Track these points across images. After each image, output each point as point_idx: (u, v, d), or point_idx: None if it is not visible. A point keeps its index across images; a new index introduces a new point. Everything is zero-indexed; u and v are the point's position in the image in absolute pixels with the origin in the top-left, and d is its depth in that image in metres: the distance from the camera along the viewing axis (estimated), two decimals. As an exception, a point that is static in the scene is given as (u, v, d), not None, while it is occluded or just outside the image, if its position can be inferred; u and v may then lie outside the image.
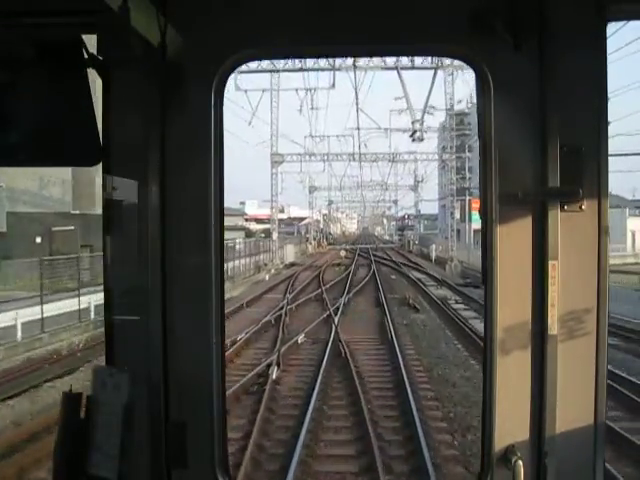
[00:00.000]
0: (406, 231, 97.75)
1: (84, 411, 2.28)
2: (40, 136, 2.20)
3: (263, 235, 69.88)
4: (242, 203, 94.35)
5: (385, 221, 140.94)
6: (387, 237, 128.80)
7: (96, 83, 2.27)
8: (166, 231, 2.33)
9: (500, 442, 2.26)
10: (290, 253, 60.05)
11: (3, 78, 2.12)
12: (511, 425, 2.27)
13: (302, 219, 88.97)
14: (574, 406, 2.24)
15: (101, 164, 2.31)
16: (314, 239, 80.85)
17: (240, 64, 2.43)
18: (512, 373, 2.26)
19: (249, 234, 71.13)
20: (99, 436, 2.25)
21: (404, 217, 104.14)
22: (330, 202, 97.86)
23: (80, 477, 2.25)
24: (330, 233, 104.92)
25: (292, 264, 53.60)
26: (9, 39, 2.12)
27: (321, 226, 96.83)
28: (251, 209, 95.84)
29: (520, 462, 2.20)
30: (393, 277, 42.28)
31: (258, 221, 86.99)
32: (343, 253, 61.48)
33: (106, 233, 2.41)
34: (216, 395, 2.37)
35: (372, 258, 56.89)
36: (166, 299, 2.34)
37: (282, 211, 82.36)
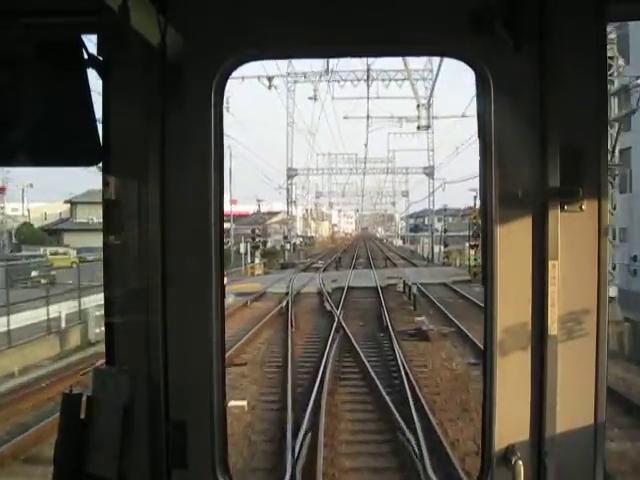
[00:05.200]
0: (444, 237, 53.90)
1: (84, 411, 2.29)
2: (40, 136, 2.20)
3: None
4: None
5: (397, 217, 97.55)
6: (400, 242, 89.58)
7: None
8: (166, 231, 2.34)
9: (500, 442, 2.26)
10: None
11: (3, 78, 2.12)
12: (511, 425, 2.27)
13: (275, 214, 63.43)
14: (574, 406, 2.24)
15: (101, 164, 2.31)
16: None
17: (240, 64, 2.44)
18: (512, 373, 2.26)
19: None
20: (99, 436, 2.26)
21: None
22: (292, 172, 55.88)
23: (80, 477, 2.25)
24: (296, 236, 64.48)
25: None
26: (9, 39, 2.12)
27: (298, 225, 65.54)
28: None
29: (520, 462, 2.20)
30: None
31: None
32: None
33: (106, 233, 2.42)
34: (216, 395, 2.37)
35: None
36: (166, 299, 2.34)
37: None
